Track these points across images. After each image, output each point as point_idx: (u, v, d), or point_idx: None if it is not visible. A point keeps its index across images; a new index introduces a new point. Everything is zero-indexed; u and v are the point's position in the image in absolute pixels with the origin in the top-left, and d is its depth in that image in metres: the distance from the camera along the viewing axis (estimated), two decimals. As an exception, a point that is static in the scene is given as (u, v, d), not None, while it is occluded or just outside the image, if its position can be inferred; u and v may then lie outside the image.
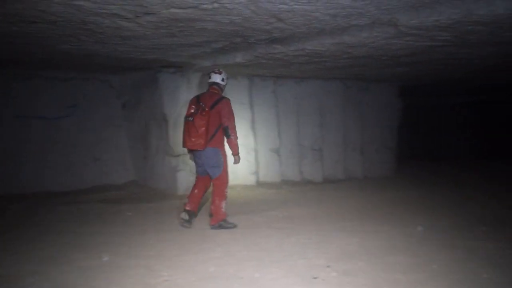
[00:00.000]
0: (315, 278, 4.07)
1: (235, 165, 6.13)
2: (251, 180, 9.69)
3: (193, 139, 5.67)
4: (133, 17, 4.72)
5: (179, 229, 5.97)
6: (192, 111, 5.77)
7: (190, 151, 5.99)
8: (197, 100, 5.87)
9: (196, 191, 6.08)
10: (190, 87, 8.56)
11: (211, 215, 6.08)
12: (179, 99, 8.49)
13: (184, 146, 5.92)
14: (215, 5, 4.32)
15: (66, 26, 5.04)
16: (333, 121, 10.57)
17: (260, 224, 6.26)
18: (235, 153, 5.93)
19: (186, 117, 5.83)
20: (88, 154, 9.41)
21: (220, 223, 5.95)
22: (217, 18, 4.81)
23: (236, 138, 5.90)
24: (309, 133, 10.40)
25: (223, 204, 5.93)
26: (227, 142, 5.92)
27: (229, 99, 5.92)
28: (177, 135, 8.45)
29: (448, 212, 6.84)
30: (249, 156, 9.68)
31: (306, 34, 5.69)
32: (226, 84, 6.15)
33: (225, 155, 5.97)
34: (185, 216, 5.97)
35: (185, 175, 8.45)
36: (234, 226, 6.01)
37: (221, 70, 6.14)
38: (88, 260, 4.63)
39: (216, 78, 6.00)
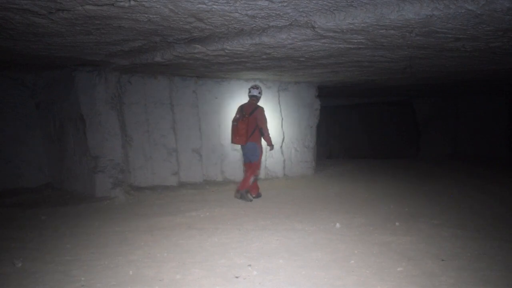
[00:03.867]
0: (236, 277, 4.09)
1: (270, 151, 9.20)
2: (172, 181, 9.59)
3: (237, 137, 7.97)
4: (46, 13, 4.54)
5: (97, 232, 5.82)
6: (237, 116, 8.02)
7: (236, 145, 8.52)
8: (241, 109, 8.13)
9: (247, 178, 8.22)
10: (107, 86, 8.36)
11: (241, 184, 8.21)
12: (96, 98, 8.25)
13: (232, 142, 8.21)
14: (132, 2, 4.24)
15: (-29, 21, 4.76)
16: (254, 121, 10.65)
17: (181, 225, 6.21)
18: (270, 144, 8.26)
19: (233, 121, 8.07)
20: (-2, 156, 8.93)
21: (244, 192, 8.04)
22: (135, 16, 4.72)
23: (269, 134, 8.15)
24: (230, 133, 10.41)
25: (252, 178, 8.11)
26: (263, 138, 8.15)
27: (263, 108, 8.18)
28: (94, 135, 8.23)
29: (365, 209, 7.09)
30: (170, 157, 9.58)
31: (226, 34, 5.71)
32: (261, 95, 8.30)
33: (261, 147, 8.22)
34: (249, 196, 8.07)
35: (103, 176, 8.22)
36: (250, 200, 8.02)
37: (258, 85, 8.31)
38: (0, 267, 4.42)
39: (255, 92, 8.18)
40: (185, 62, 7.47)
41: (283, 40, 5.87)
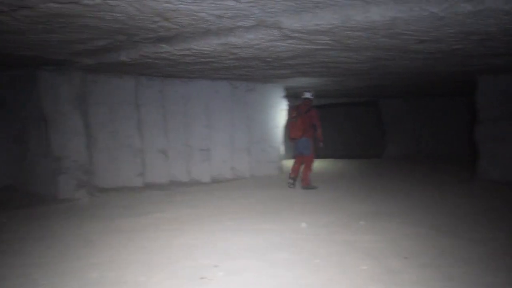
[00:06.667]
0: (202, 278, 4.07)
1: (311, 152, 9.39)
2: (137, 181, 9.50)
3: (296, 132, 9.10)
4: (8, 10, 4.42)
5: (59, 235, 5.71)
6: (294, 115, 9.18)
7: (292, 139, 9.37)
8: (297, 108, 9.24)
9: (295, 165, 9.49)
10: (71, 85, 8.21)
11: (302, 180, 9.34)
12: (60, 98, 8.10)
13: (290, 137, 9.38)
14: (97, 1, 4.17)
15: None
16: (221, 121, 10.66)
17: (146, 226, 6.14)
18: (322, 140, 9.26)
19: (290, 118, 9.32)
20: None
21: (307, 186, 9.19)
22: (100, 14, 4.64)
23: (321, 131, 9.25)
24: (197, 133, 10.40)
25: (309, 174, 9.30)
26: (316, 134, 9.22)
27: (316, 109, 9.43)
28: (57, 136, 8.07)
29: (331, 208, 7.15)
30: (136, 158, 9.47)
31: (192, 34, 5.68)
32: (313, 97, 9.47)
33: (312, 142, 9.23)
34: (291, 180, 9.40)
35: (67, 178, 8.07)
36: (316, 188, 9.23)
37: (310, 89, 9.61)
38: (-43, 272, 4.29)
39: (307, 95, 9.35)
40: (151, 62, 7.40)
41: (250, 40, 5.88)
